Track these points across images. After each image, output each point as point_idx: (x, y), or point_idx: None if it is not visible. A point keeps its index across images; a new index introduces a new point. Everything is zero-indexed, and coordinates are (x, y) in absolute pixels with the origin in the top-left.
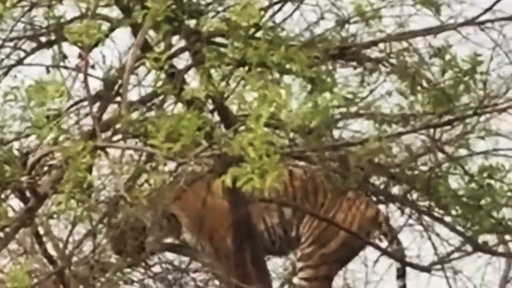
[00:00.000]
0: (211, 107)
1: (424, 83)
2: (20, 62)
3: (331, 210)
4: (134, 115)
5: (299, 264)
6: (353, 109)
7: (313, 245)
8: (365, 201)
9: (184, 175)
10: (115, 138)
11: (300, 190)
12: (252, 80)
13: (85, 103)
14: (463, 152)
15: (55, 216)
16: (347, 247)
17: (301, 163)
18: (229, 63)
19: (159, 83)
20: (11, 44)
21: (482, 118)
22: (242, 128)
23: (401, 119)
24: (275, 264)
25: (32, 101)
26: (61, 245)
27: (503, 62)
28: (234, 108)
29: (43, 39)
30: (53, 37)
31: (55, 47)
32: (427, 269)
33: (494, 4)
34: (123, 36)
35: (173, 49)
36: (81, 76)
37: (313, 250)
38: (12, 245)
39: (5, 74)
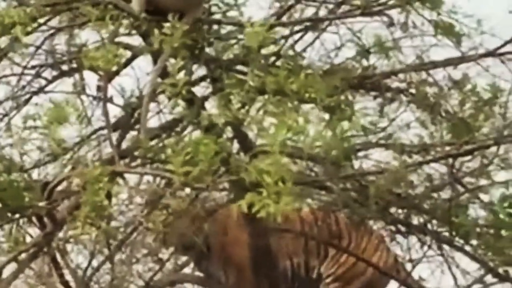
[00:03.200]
0: (230, 135)
1: (444, 114)
2: (41, 90)
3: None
4: (153, 142)
5: None
6: (373, 139)
7: (338, 282)
8: (386, 247)
9: (202, 201)
10: (133, 164)
11: (324, 232)
12: (270, 107)
13: (105, 131)
14: (483, 182)
15: (71, 240)
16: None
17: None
18: (249, 90)
19: (178, 109)
20: (32, 72)
21: (502, 151)
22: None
23: (421, 150)
24: None
25: (52, 123)
26: (79, 272)
27: None
28: (253, 136)
29: (64, 67)
30: (74, 65)
31: (77, 75)
32: None
33: None
34: (144, 65)
35: (193, 77)
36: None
37: (337, 287)
38: (29, 272)
39: (26, 101)
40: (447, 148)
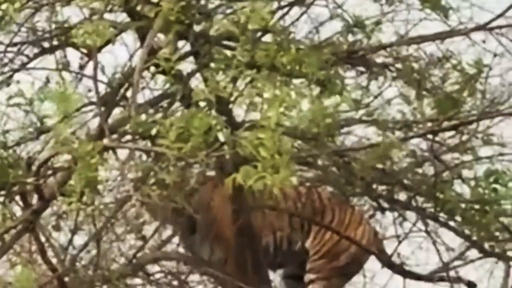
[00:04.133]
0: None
1: (429, 88)
2: (22, 67)
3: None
4: (142, 117)
5: (311, 276)
6: (357, 115)
7: (324, 258)
8: (368, 221)
9: (194, 175)
10: (123, 139)
11: (308, 208)
12: (261, 81)
13: (88, 108)
14: (466, 158)
15: (64, 216)
16: (355, 262)
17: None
18: (238, 65)
19: (168, 85)
20: (14, 49)
21: (483, 126)
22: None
23: (404, 126)
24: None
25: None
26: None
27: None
28: (241, 112)
29: (45, 44)
30: (56, 43)
31: (58, 52)
32: (428, 278)
33: (507, 10)
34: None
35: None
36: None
37: (324, 263)
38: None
39: (8, 79)
40: (429, 124)
